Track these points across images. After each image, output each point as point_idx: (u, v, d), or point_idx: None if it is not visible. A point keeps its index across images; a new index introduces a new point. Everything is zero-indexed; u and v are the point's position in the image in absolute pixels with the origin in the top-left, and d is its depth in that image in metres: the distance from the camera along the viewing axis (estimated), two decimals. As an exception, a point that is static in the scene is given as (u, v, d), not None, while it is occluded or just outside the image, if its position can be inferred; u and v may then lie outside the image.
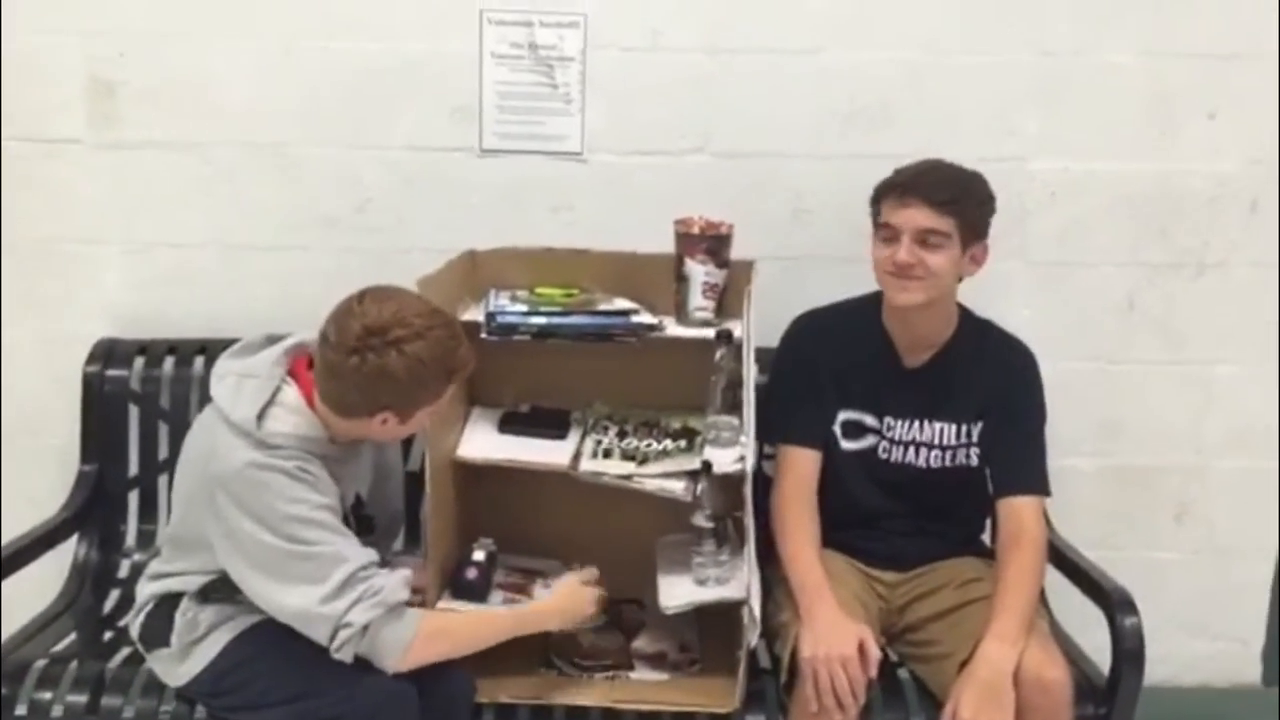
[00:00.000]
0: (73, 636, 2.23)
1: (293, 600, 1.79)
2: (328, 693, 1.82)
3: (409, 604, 1.90)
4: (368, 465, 2.03)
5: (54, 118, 2.45)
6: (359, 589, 1.79)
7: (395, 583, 1.84)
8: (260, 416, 1.81)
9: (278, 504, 1.78)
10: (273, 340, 1.94)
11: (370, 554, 1.85)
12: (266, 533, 1.77)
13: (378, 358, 1.76)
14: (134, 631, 2.02)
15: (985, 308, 2.22)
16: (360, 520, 2.01)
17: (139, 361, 2.47)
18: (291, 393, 1.85)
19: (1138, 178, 2.52)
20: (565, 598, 2.09)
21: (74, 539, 2.41)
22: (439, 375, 1.82)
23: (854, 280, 2.19)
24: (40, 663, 2.07)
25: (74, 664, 2.08)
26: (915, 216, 2.01)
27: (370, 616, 1.79)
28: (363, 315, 1.77)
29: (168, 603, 1.95)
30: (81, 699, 2.01)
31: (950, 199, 2.01)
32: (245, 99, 2.46)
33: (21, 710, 2.00)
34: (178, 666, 1.94)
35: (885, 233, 2.05)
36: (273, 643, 1.90)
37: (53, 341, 2.52)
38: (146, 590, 2.00)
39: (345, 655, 1.80)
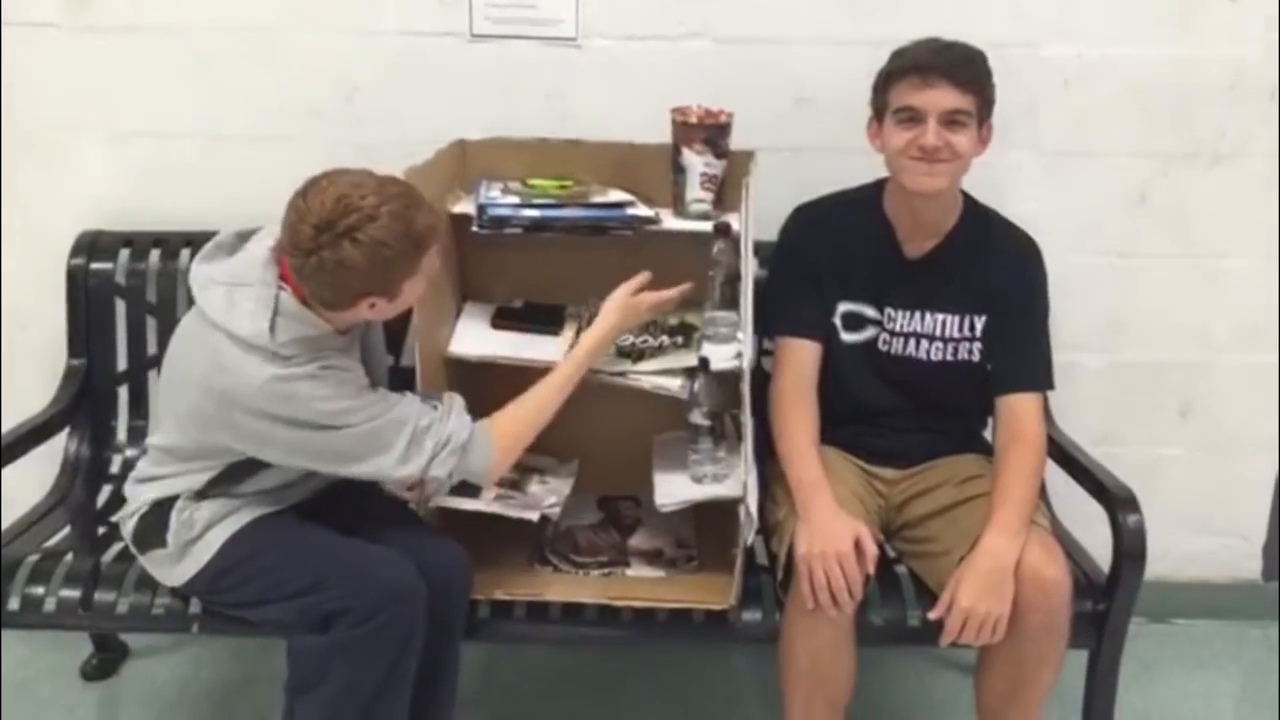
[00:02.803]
0: (65, 531, 2.23)
1: (367, 469, 1.83)
2: (332, 587, 1.83)
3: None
4: (357, 353, 2.00)
5: (27, 0, 2.36)
6: (428, 445, 1.83)
7: (456, 420, 1.88)
8: (270, 329, 1.77)
9: (316, 405, 1.77)
10: (242, 237, 1.88)
11: (417, 402, 1.88)
12: (317, 432, 1.77)
13: (334, 254, 1.69)
14: (126, 534, 2.00)
15: (992, 199, 2.16)
16: None
17: (124, 254, 2.42)
18: (288, 298, 1.80)
19: (1154, 64, 2.43)
20: (617, 319, 2.03)
21: (64, 434, 2.39)
22: (406, 250, 1.74)
23: (857, 171, 2.13)
24: (33, 558, 2.07)
25: (67, 559, 2.08)
26: (942, 97, 1.94)
27: (450, 466, 1.85)
28: (309, 213, 1.70)
29: (163, 504, 1.92)
30: (75, 594, 2.01)
31: (973, 77, 1.96)
32: (225, -20, 2.37)
33: (14, 605, 2.01)
34: (174, 567, 1.93)
35: (904, 115, 1.98)
36: (273, 539, 1.90)
37: (35, 233, 2.46)
38: (137, 493, 1.97)
39: (439, 497, 1.95)
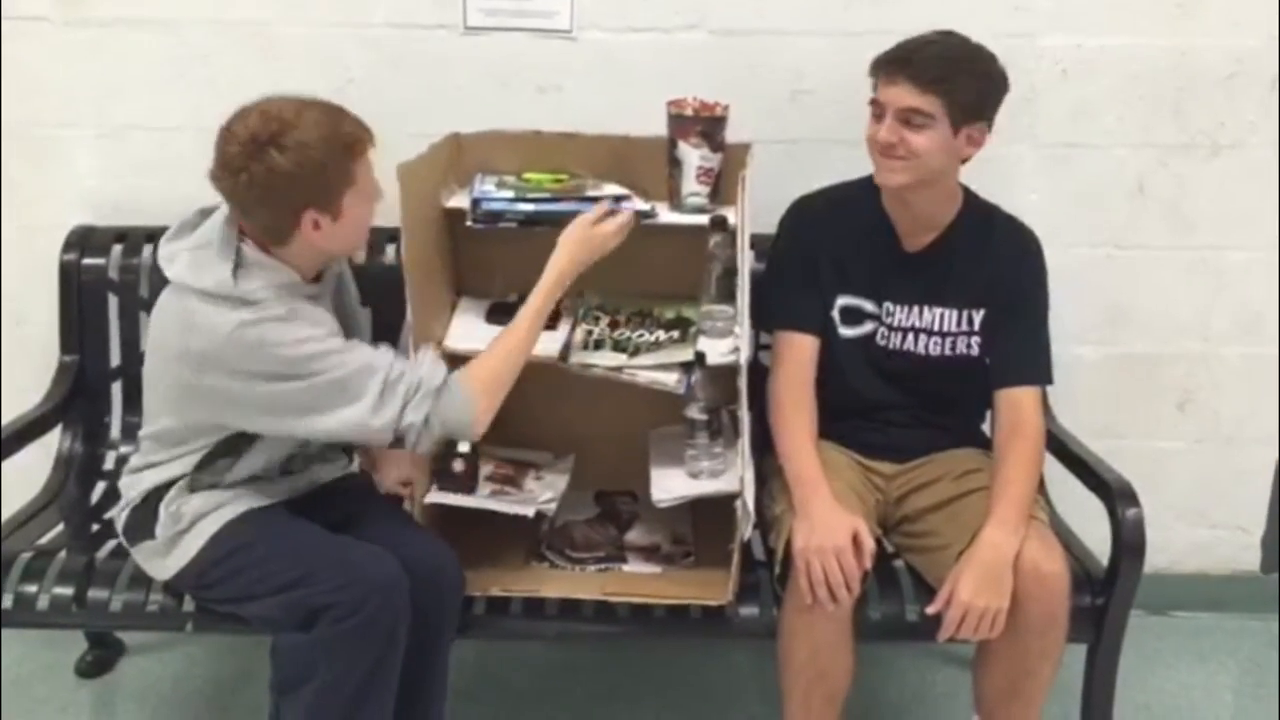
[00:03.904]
0: (59, 529, 2.22)
1: (340, 422, 1.79)
2: (318, 583, 1.82)
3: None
4: (331, 308, 1.99)
5: (18, -6, 2.35)
6: (400, 391, 1.80)
7: (429, 368, 1.85)
8: (233, 276, 1.78)
9: (283, 351, 1.76)
10: (205, 214, 1.89)
11: (389, 352, 1.85)
12: (286, 383, 1.76)
13: (262, 164, 1.72)
14: (119, 525, 2.00)
15: (991, 191, 2.15)
16: None
17: (116, 250, 2.41)
18: (250, 249, 1.82)
19: (1153, 54, 2.42)
20: (575, 249, 1.98)
21: (57, 430, 2.38)
22: (334, 153, 1.76)
23: (855, 164, 2.11)
24: (26, 555, 2.06)
25: (60, 556, 2.07)
26: (899, 94, 1.94)
27: (425, 410, 1.80)
28: (234, 135, 1.74)
29: (154, 496, 1.92)
30: (68, 591, 2.01)
31: (938, 78, 1.92)
32: (218, -28, 2.35)
33: (8, 603, 2.00)
34: (163, 560, 1.93)
35: (875, 109, 1.99)
36: (261, 534, 1.90)
37: (28, 228, 2.45)
38: (130, 484, 1.97)
39: (424, 449, 1.86)
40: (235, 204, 1.79)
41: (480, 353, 1.92)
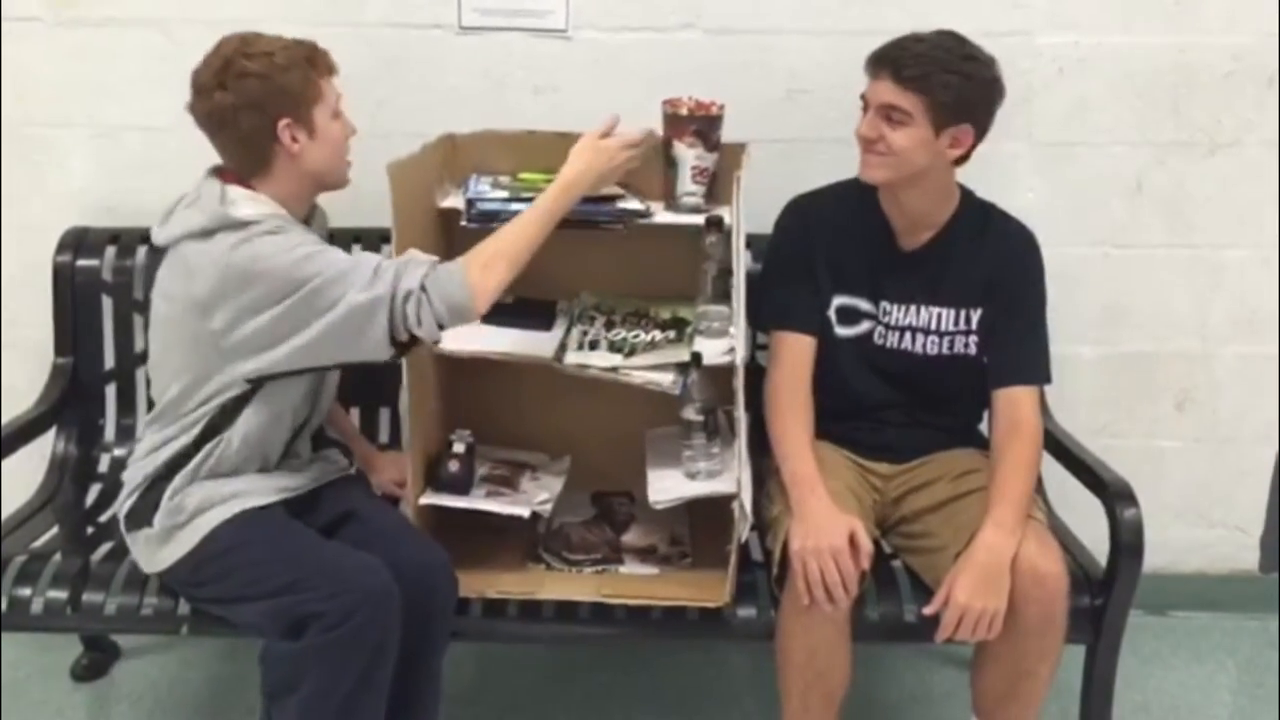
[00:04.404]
0: (53, 531, 2.20)
1: (342, 310, 1.78)
2: (310, 589, 1.80)
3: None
4: None
5: (10, -6, 2.35)
6: (392, 267, 1.82)
7: (413, 252, 1.88)
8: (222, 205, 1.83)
9: (277, 260, 1.78)
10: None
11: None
12: (287, 300, 1.78)
13: (232, 73, 1.83)
14: (122, 513, 1.97)
15: (988, 189, 2.14)
16: None
17: (110, 251, 2.40)
18: (233, 186, 1.86)
19: (1150, 52, 2.41)
20: (589, 157, 1.97)
21: (52, 433, 2.37)
22: (297, 61, 1.86)
23: (851, 163, 2.10)
24: (20, 558, 2.05)
25: (55, 559, 2.06)
26: (881, 90, 1.95)
27: (421, 275, 1.80)
28: (206, 65, 1.86)
29: (159, 481, 1.91)
30: (62, 594, 2.00)
31: (917, 76, 1.91)
32: (211, -29, 2.33)
33: (3, 606, 1.99)
34: (159, 550, 1.91)
35: (863, 104, 2.00)
36: (257, 535, 1.89)
37: (21, 229, 2.45)
38: (135, 470, 1.96)
39: (428, 329, 1.82)
40: (214, 129, 1.86)
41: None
